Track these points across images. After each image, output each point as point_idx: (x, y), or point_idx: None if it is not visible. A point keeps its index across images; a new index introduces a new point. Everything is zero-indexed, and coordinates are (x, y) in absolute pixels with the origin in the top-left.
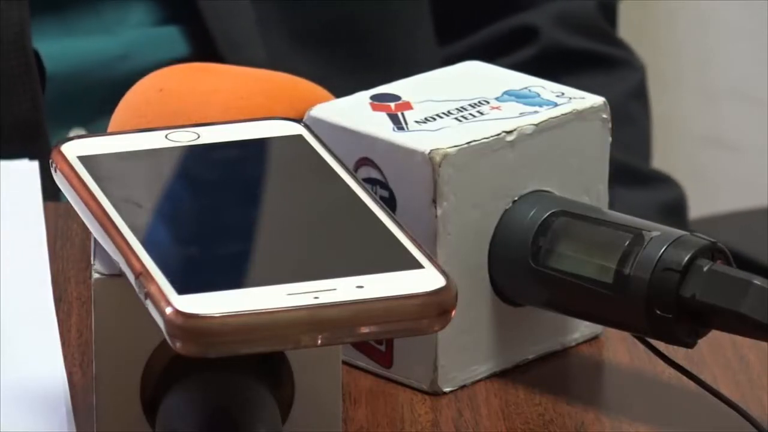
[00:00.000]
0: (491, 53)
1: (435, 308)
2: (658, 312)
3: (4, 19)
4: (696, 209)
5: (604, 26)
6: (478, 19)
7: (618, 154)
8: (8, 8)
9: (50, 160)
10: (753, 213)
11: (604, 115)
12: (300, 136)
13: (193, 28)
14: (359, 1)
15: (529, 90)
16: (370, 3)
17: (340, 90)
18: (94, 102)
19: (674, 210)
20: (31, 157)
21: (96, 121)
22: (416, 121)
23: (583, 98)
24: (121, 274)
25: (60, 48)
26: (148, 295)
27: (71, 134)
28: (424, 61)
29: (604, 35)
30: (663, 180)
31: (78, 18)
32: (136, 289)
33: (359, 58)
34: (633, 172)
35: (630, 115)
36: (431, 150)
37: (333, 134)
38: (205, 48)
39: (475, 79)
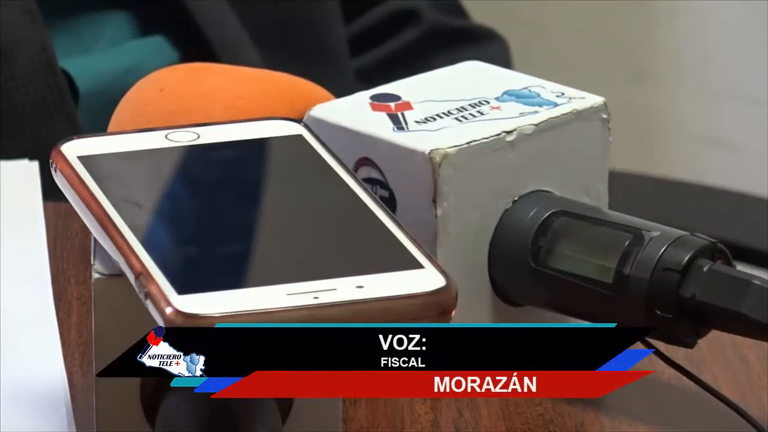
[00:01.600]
0: (377, 37)
1: (435, 308)
2: (658, 312)
3: (23, 41)
4: None
5: (462, 6)
6: (357, 6)
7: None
8: (24, 30)
9: (50, 160)
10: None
11: (604, 115)
12: (300, 136)
13: (176, 35)
14: (294, 1)
15: (529, 90)
16: (305, 2)
17: None
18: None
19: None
20: None
21: None
22: (416, 121)
23: (583, 98)
24: (121, 274)
25: (81, 65)
26: (148, 295)
27: None
28: (343, 51)
29: (466, 13)
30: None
31: (58, 37)
32: (136, 289)
33: (302, 56)
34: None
35: None
36: (431, 150)
37: (333, 134)
38: (195, 52)
39: (475, 79)
